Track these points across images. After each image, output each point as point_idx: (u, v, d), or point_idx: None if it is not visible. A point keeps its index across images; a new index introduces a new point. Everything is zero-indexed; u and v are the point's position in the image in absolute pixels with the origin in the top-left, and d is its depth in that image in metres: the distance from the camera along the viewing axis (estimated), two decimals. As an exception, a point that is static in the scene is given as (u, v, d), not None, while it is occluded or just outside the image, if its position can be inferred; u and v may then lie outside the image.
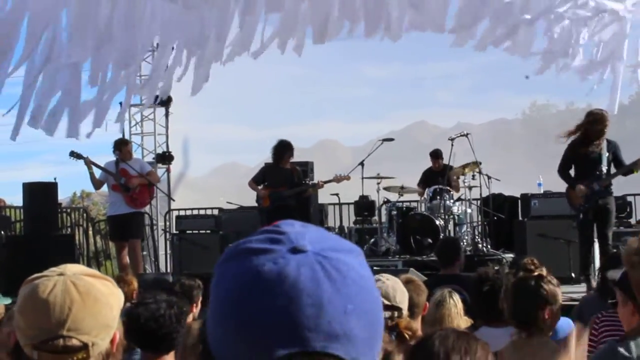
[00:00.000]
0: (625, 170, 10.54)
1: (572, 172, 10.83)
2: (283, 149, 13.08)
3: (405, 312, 4.73)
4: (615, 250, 10.99)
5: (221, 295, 1.30)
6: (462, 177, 14.24)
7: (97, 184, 13.20)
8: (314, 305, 1.24)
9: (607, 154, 10.51)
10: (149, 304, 4.48)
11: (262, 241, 1.30)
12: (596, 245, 11.14)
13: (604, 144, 10.50)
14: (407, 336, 4.49)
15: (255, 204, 13.70)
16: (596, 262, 11.45)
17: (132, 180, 12.83)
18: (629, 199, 14.61)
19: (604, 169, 10.51)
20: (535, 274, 4.65)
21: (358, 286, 1.28)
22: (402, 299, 4.75)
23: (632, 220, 14.47)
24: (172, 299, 4.60)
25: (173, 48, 7.60)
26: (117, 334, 2.39)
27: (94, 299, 2.30)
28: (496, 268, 5.53)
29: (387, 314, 4.54)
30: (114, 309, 2.37)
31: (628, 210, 14.45)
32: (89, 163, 12.77)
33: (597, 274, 10.52)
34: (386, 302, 4.61)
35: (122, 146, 13.08)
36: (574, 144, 10.61)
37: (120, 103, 8.22)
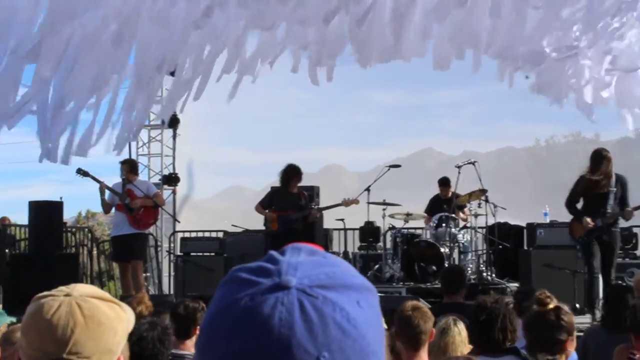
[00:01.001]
0: (620, 215, 10.69)
1: (580, 205, 10.92)
2: (291, 173, 13.13)
3: None
4: (619, 282, 11.00)
5: (203, 320, 1.27)
6: (468, 205, 14.27)
7: (107, 208, 13.31)
8: (280, 351, 1.14)
9: (614, 190, 10.62)
10: None
11: (252, 271, 1.22)
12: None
13: (613, 181, 10.63)
14: None
15: (261, 227, 13.77)
16: (600, 293, 11.46)
17: (135, 201, 12.88)
18: (635, 230, 14.64)
19: (610, 207, 10.61)
20: (552, 306, 4.77)
21: (341, 331, 1.17)
22: None
23: (638, 252, 14.53)
24: (155, 320, 4.56)
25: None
26: (121, 358, 2.37)
27: (97, 322, 2.27)
28: (496, 297, 5.49)
29: None
30: (118, 333, 2.34)
31: (634, 242, 14.50)
32: (102, 189, 12.90)
33: (600, 305, 10.54)
34: None
35: (125, 166, 13.18)
36: (582, 179, 10.72)
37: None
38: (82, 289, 2.35)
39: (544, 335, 4.75)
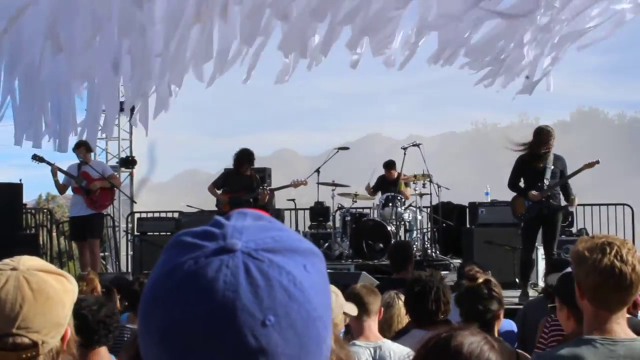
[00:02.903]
0: (560, 183, 10.93)
1: (521, 184, 11.18)
2: (244, 156, 13.44)
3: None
4: (557, 257, 11.42)
5: (145, 287, 1.21)
6: (412, 185, 14.69)
7: (61, 189, 13.54)
8: (224, 314, 1.11)
9: (552, 167, 10.87)
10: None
11: (196, 235, 1.18)
12: (539, 252, 11.64)
13: (551, 158, 10.89)
14: None
15: (215, 208, 13.95)
16: (540, 268, 11.94)
17: (94, 183, 13.08)
18: (571, 208, 15.07)
19: (546, 182, 10.88)
20: (481, 280, 5.04)
21: (287, 294, 1.13)
22: None
23: (574, 229, 14.94)
24: (97, 304, 4.59)
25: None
26: (69, 330, 2.34)
27: (46, 296, 2.23)
28: (430, 272, 5.71)
29: None
30: (66, 306, 2.30)
31: (570, 219, 14.86)
32: (55, 170, 13.05)
33: (542, 279, 11.02)
34: None
35: (81, 149, 13.16)
36: (522, 159, 10.98)
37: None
38: (29, 262, 2.30)
39: (478, 307, 4.90)
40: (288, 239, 1.20)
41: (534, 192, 10.90)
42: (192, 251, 1.16)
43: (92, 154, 13.91)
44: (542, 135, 10.84)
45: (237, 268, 1.12)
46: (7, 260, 2.30)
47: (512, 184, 11.24)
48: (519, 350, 5.07)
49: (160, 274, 1.17)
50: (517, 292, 11.15)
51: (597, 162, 10.96)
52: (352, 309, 5.26)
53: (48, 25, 6.90)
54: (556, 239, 11.14)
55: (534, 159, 10.90)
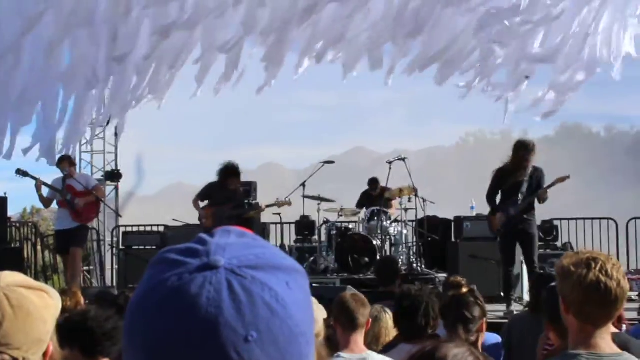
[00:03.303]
0: (533, 198, 11.04)
1: (499, 196, 11.28)
2: (229, 171, 13.24)
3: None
4: (542, 271, 11.45)
5: (130, 302, 1.23)
6: (398, 199, 14.69)
7: (46, 203, 13.50)
8: (207, 329, 1.12)
9: (528, 180, 10.94)
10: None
11: (180, 252, 1.20)
12: (524, 267, 11.66)
13: (529, 171, 10.97)
14: None
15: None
16: (524, 283, 11.96)
17: (80, 200, 12.99)
18: (556, 223, 15.11)
19: (521, 196, 10.96)
20: (466, 289, 5.13)
21: (270, 310, 1.14)
22: None
23: (558, 244, 14.92)
24: (104, 316, 4.51)
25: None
26: (51, 345, 2.32)
27: (26, 313, 2.21)
28: (420, 286, 5.73)
29: None
30: (47, 322, 2.28)
31: (554, 234, 14.91)
32: (39, 185, 12.96)
33: (527, 293, 11.04)
34: None
35: (65, 163, 13.03)
36: (501, 171, 11.08)
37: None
38: (9, 278, 2.26)
39: (464, 314, 4.93)
40: (271, 256, 1.21)
41: (499, 215, 11.11)
42: (176, 268, 1.17)
43: (77, 167, 13.84)
44: (521, 149, 10.93)
45: (220, 284, 1.14)
46: None
47: (489, 197, 11.35)
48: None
49: (144, 290, 1.19)
50: (502, 306, 11.19)
51: (568, 177, 11.07)
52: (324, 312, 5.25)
53: (12, 39, 6.91)
54: (535, 253, 11.18)
55: (513, 171, 10.98)
